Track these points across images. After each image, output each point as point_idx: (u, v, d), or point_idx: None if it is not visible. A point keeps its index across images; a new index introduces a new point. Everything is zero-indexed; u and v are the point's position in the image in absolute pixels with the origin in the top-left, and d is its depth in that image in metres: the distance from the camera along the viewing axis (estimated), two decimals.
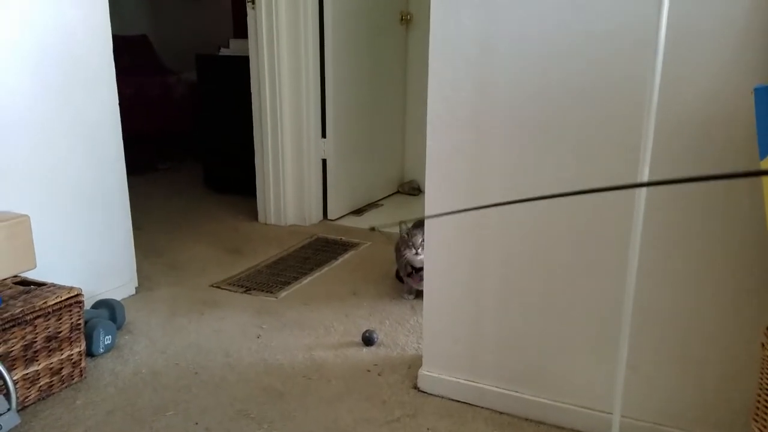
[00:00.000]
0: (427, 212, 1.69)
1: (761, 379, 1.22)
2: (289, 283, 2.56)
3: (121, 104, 2.32)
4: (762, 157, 1.16)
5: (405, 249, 2.31)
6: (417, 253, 2.27)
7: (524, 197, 1.55)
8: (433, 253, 1.70)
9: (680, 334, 1.47)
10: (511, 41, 1.48)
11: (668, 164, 1.39)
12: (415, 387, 1.81)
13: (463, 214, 1.62)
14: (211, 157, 4.05)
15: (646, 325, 1.50)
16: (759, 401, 1.23)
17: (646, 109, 1.23)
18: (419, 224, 2.30)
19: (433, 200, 1.66)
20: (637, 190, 1.26)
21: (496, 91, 1.52)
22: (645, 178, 1.25)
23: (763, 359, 1.21)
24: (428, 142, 1.63)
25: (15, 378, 1.66)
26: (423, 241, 2.21)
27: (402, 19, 3.80)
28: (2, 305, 1.67)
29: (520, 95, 1.50)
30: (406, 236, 2.30)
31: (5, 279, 1.83)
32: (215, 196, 3.91)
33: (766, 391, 1.20)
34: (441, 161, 1.62)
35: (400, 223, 2.35)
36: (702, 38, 1.32)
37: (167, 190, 4.07)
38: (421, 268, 2.19)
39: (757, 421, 1.23)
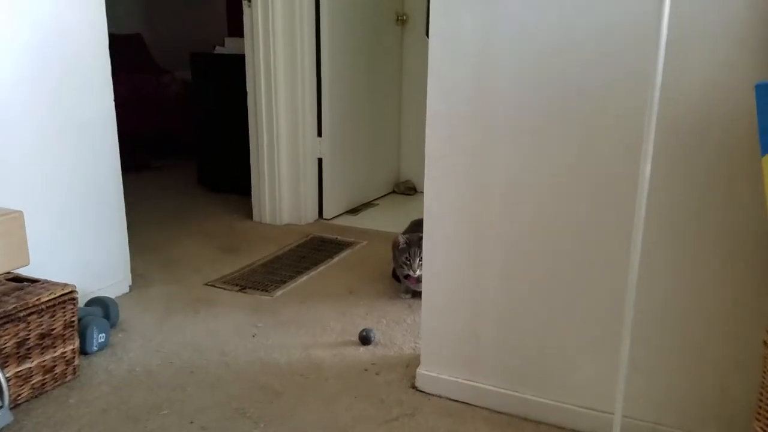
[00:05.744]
0: (426, 208, 1.67)
1: (763, 377, 1.21)
2: (285, 282, 2.54)
3: (115, 102, 2.30)
4: (763, 153, 1.15)
5: (403, 266, 2.30)
6: (415, 271, 2.27)
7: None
8: (431, 251, 1.69)
9: (681, 331, 1.47)
10: (511, 36, 1.47)
11: (667, 160, 1.39)
12: (413, 386, 1.79)
13: (462, 213, 1.61)
14: (205, 155, 4.02)
15: (647, 323, 1.49)
16: (761, 399, 1.22)
17: (648, 105, 1.22)
18: (416, 239, 2.26)
19: (432, 196, 1.65)
20: (639, 188, 1.26)
21: (496, 87, 1.51)
22: (647, 174, 1.25)
23: (765, 357, 1.20)
24: (427, 138, 1.62)
25: (8, 375, 1.64)
26: (421, 260, 2.21)
27: (398, 20, 3.80)
28: None
29: (520, 91, 1.49)
30: (405, 246, 2.28)
31: None
32: (210, 195, 3.89)
33: None
34: (440, 157, 1.61)
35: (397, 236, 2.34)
36: (701, 34, 1.31)
37: (162, 189, 4.04)
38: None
39: (759, 420, 1.22)
